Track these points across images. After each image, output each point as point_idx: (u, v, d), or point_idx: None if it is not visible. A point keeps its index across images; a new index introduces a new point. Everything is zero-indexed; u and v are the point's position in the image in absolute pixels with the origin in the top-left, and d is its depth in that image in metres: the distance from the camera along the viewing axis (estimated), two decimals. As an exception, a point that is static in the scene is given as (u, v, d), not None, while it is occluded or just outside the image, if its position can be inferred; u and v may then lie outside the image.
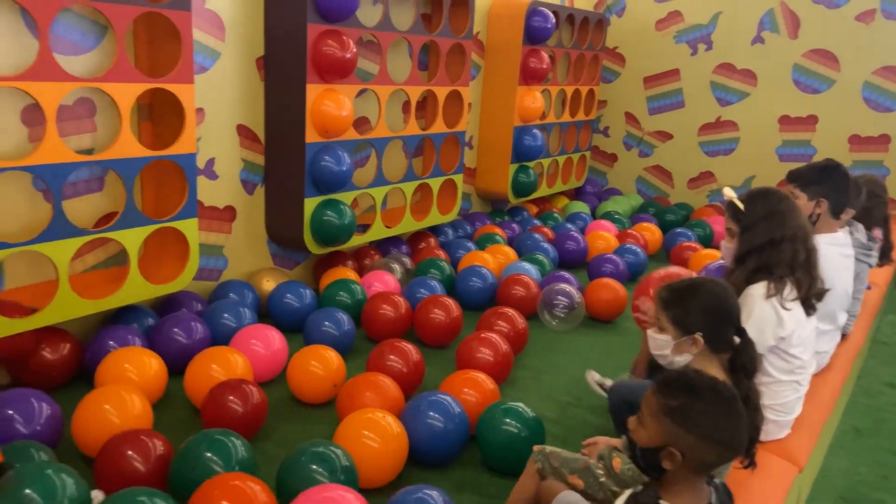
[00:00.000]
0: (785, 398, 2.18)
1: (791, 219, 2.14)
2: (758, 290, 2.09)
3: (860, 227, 3.13)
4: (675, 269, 2.72)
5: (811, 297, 2.14)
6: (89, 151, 3.05)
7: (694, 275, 2.56)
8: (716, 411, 1.40)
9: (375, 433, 2.37)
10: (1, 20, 2.68)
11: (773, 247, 2.11)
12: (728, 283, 2.20)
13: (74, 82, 2.72)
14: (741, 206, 2.19)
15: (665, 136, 6.84)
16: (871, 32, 5.83)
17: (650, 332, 1.91)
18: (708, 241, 5.67)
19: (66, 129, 2.97)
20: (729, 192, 2.26)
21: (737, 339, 1.79)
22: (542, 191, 6.05)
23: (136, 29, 3.11)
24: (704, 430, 1.38)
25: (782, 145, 6.31)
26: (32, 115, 2.83)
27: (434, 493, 2.02)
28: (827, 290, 2.21)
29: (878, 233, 3.33)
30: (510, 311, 3.54)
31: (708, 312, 1.80)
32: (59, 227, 2.75)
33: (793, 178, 2.66)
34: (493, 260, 4.51)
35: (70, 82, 2.70)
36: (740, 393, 1.68)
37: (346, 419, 2.47)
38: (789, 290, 2.09)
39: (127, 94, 2.88)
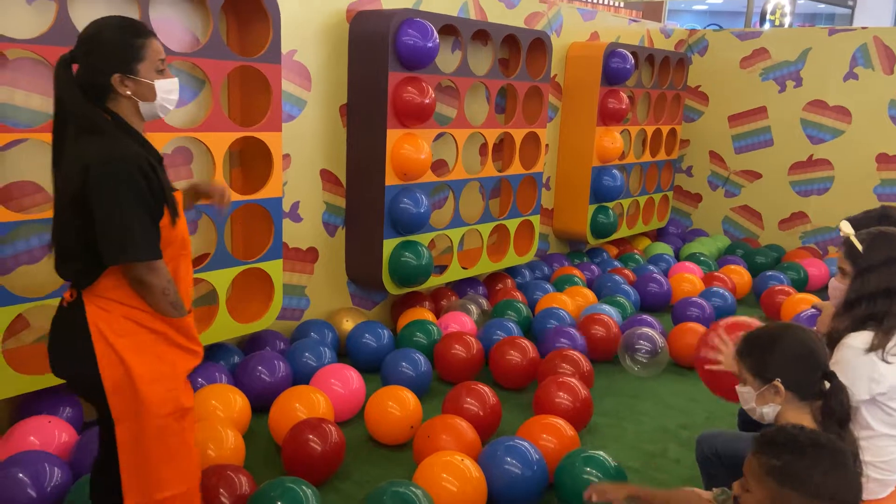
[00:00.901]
0: (889, 455, 2.01)
1: None
2: (858, 341, 1.95)
3: None
4: (743, 319, 2.51)
5: None
6: (185, 196, 3.24)
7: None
8: (822, 467, 1.30)
9: (454, 476, 2.35)
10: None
11: (888, 297, 1.97)
12: (830, 327, 2.07)
13: (174, 132, 2.91)
14: (860, 246, 2.05)
15: (753, 175, 6.61)
16: (978, 63, 5.49)
17: (737, 387, 1.82)
18: (802, 286, 5.38)
19: (165, 175, 3.16)
20: (846, 227, 2.12)
21: (827, 385, 1.68)
22: (623, 232, 5.94)
23: (230, 82, 3.31)
24: (812, 489, 1.28)
25: (881, 184, 5.96)
26: (135, 163, 3.04)
27: None
28: None
29: None
30: (575, 354, 3.46)
31: (787, 358, 1.69)
32: (155, 268, 2.91)
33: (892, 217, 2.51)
34: (571, 302, 4.44)
35: (170, 132, 2.89)
36: None
37: (426, 461, 2.47)
38: (894, 343, 1.95)
39: (220, 142, 3.05)
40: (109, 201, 1.67)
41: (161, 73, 1.80)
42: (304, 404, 2.87)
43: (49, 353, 1.83)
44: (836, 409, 1.65)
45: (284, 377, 3.21)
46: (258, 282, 3.41)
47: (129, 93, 1.75)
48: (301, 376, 3.29)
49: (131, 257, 1.70)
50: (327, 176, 3.93)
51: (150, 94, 1.79)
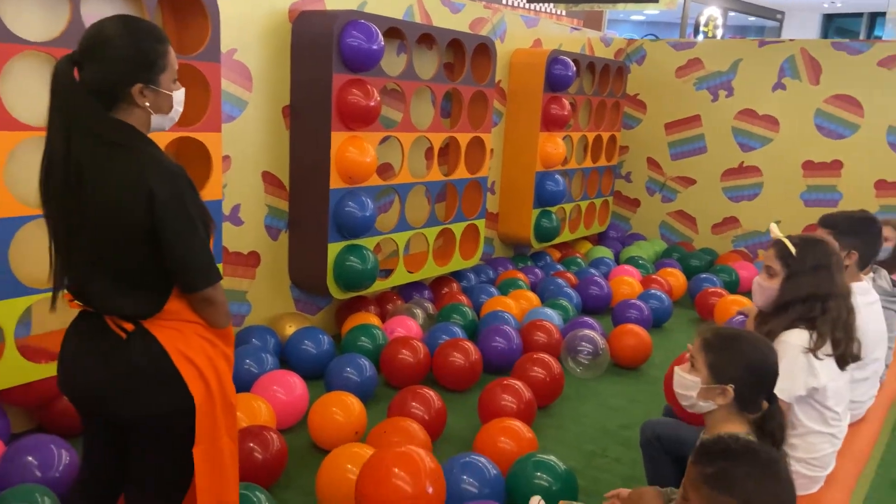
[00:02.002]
0: (820, 451, 2.10)
1: (838, 276, 2.09)
2: (798, 339, 2.04)
3: (884, 273, 3.07)
4: None
5: (847, 356, 2.09)
6: (119, 198, 3.12)
7: None
8: (756, 473, 1.34)
9: (356, 465, 2.39)
10: (39, 76, 2.79)
11: (818, 301, 2.06)
12: (762, 327, 2.14)
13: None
14: (793, 249, 2.12)
15: (688, 181, 6.83)
16: (894, 77, 5.82)
17: (677, 369, 1.85)
18: (734, 288, 5.58)
19: (98, 176, 3.04)
20: (775, 230, 2.20)
21: (765, 405, 1.72)
22: (565, 236, 6.04)
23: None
24: (746, 495, 1.32)
25: (807, 190, 6.26)
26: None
27: None
28: (861, 359, 2.14)
29: None
30: (546, 357, 3.49)
31: (748, 368, 1.71)
32: (87, 273, 2.79)
33: (828, 224, 2.61)
34: (515, 305, 4.48)
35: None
36: None
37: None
38: (826, 347, 2.05)
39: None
40: (186, 226, 1.57)
41: (175, 83, 1.68)
42: (244, 412, 2.80)
43: (112, 398, 1.64)
44: (775, 430, 1.69)
45: (225, 384, 3.13)
46: (197, 286, 3.32)
47: (147, 104, 1.60)
48: (242, 383, 3.20)
49: (214, 280, 1.63)
50: (269, 178, 3.85)
51: (167, 106, 1.66)
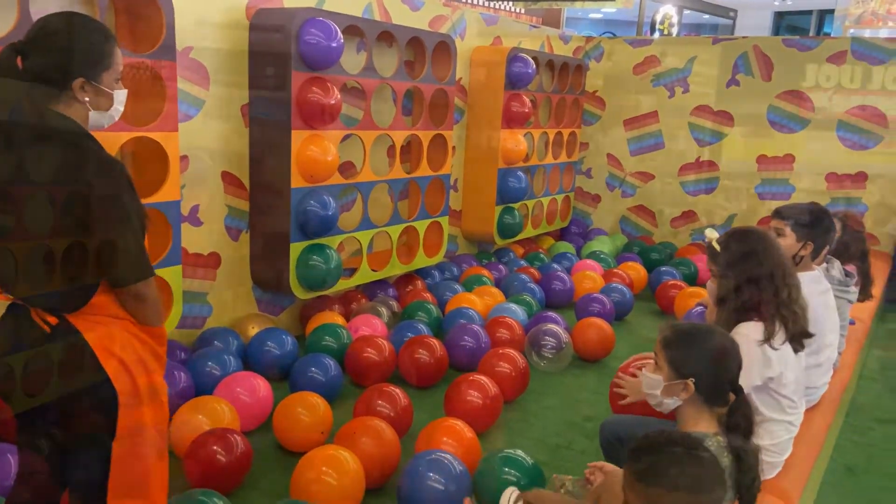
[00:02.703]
0: (778, 438, 2.17)
1: (768, 257, 2.14)
2: (752, 331, 2.08)
3: (836, 263, 3.17)
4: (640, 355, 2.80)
5: (797, 334, 2.14)
6: (73, 200, 3.04)
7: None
8: (679, 459, 1.39)
9: (334, 469, 2.39)
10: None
11: (752, 286, 2.11)
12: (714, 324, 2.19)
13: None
14: (718, 247, 2.19)
15: (647, 176, 6.94)
16: (842, 73, 6.01)
17: (644, 371, 1.89)
18: (693, 280, 5.70)
19: (50, 178, 2.96)
20: (710, 234, 2.27)
21: (732, 396, 1.76)
22: (528, 232, 6.09)
23: (121, 78, 3.14)
24: (671, 482, 1.36)
25: (761, 184, 6.42)
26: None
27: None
28: (813, 335, 2.21)
29: (851, 268, 3.37)
30: (512, 352, 3.51)
31: (707, 360, 1.75)
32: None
33: (783, 215, 2.69)
34: (480, 301, 4.50)
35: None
36: (732, 453, 1.65)
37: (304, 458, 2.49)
38: (781, 334, 2.10)
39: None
40: (120, 221, 1.58)
41: (118, 82, 1.70)
42: (207, 415, 2.76)
43: (35, 392, 1.64)
44: (741, 422, 1.73)
45: (186, 388, 3.08)
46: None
47: (86, 99, 1.61)
48: (204, 386, 3.16)
49: (146, 275, 1.63)
50: (229, 178, 3.80)
51: (106, 104, 1.67)
